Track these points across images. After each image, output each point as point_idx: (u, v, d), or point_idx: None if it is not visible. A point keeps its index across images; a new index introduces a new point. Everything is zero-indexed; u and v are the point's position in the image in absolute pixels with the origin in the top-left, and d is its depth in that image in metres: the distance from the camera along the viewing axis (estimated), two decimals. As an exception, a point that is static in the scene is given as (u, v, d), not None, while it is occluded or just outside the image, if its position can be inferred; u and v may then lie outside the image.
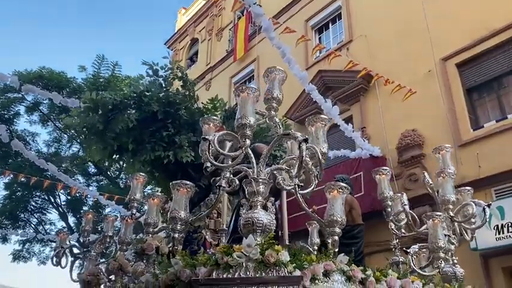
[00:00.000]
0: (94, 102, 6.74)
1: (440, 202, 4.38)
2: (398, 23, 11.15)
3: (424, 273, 3.89)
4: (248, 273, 2.57)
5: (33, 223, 21.55)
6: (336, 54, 10.71)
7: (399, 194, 4.65)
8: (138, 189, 4.84)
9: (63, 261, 5.84)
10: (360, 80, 10.94)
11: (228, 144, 3.41)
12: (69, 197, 19.90)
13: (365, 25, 12.13)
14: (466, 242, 5.00)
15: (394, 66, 10.57)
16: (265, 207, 2.99)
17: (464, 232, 4.46)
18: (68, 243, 6.03)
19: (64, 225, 19.87)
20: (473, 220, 4.47)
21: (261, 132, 6.73)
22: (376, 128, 10.65)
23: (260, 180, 2.94)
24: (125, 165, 16.33)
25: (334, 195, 3.08)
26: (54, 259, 5.83)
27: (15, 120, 20.65)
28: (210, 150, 3.05)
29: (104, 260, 6.13)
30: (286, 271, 2.56)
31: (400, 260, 4.32)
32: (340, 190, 3.10)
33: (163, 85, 7.21)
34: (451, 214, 4.30)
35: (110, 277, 4.84)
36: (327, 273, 2.78)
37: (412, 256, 4.00)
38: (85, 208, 19.75)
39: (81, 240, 6.02)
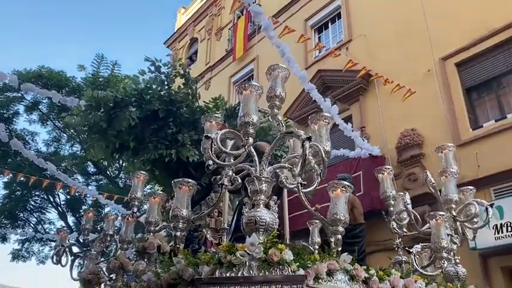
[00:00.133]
0: (96, 100, 6.71)
1: (442, 201, 4.37)
2: (397, 22, 11.16)
3: (426, 273, 3.88)
4: (251, 272, 2.55)
5: (33, 222, 21.50)
6: (335, 53, 10.71)
7: (401, 193, 4.64)
8: (139, 187, 4.83)
9: (63, 259, 5.82)
10: (360, 80, 10.95)
11: (230, 143, 3.40)
12: (68, 197, 19.85)
13: (364, 25, 12.13)
14: (465, 241, 5.00)
15: (394, 66, 10.57)
16: (267, 206, 2.98)
17: (465, 232, 4.46)
18: (67, 242, 6.02)
19: (63, 224, 19.81)
20: (475, 220, 4.47)
21: (262, 132, 6.71)
22: (375, 127, 10.66)
23: (263, 178, 2.93)
24: (124, 164, 16.38)
25: (337, 194, 3.07)
26: (54, 258, 5.82)
27: (14, 119, 20.59)
28: (213, 148, 3.03)
29: (103, 259, 6.11)
30: (289, 270, 2.55)
31: (403, 259, 4.31)
32: (344, 189, 3.09)
33: (166, 82, 7.17)
34: (454, 213, 4.30)
35: (111, 276, 4.83)
36: (330, 273, 2.77)
37: (414, 256, 3.99)
38: (84, 207, 19.70)
39: (81, 239, 6.01)
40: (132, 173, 5.27)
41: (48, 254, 20.39)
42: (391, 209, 4.39)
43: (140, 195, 4.85)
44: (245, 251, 2.58)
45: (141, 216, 7.03)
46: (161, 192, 4.55)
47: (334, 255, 2.93)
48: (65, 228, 6.95)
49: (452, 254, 4.12)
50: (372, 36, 11.70)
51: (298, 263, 2.61)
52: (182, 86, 7.32)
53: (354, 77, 10.90)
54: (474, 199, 4.57)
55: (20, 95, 19.46)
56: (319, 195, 6.27)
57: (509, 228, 7.66)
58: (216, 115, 3.60)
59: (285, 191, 4.39)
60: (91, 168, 21.65)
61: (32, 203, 21.13)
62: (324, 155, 2.96)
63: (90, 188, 19.54)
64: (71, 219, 20.84)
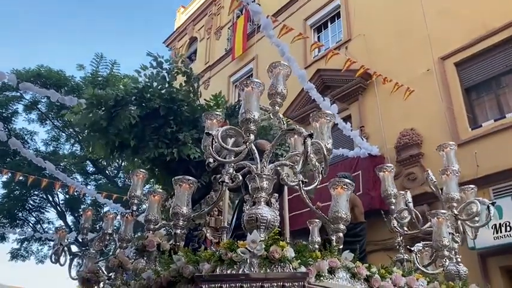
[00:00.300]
0: (97, 98, 6.68)
1: (444, 200, 4.36)
2: (397, 22, 11.16)
3: (428, 271, 3.87)
4: (252, 269, 2.54)
5: (31, 222, 21.50)
6: (334, 52, 10.70)
7: (402, 192, 4.63)
8: (138, 185, 4.80)
9: (62, 258, 5.80)
10: (359, 79, 10.95)
11: (230, 141, 3.39)
12: (67, 196, 19.84)
13: (364, 24, 12.12)
14: (464, 241, 5.00)
15: (393, 66, 10.57)
16: (268, 203, 2.96)
17: (466, 230, 4.45)
18: (66, 240, 6.00)
19: (62, 224, 19.79)
20: (476, 218, 4.46)
21: (263, 131, 6.70)
22: (374, 127, 10.66)
23: (264, 175, 2.91)
24: (123, 163, 16.35)
25: (338, 192, 3.06)
26: (53, 256, 5.80)
27: (13, 118, 20.57)
28: (213, 146, 3.02)
29: (102, 258, 6.09)
30: (291, 267, 2.53)
31: (405, 257, 4.30)
32: (345, 186, 3.08)
33: (167, 78, 7.14)
34: (455, 212, 4.29)
35: (110, 274, 4.82)
36: (332, 270, 2.76)
37: (416, 254, 3.98)
38: (83, 207, 19.67)
39: (80, 238, 5.99)
40: (131, 171, 5.23)
41: (47, 253, 20.37)
42: (392, 207, 4.38)
43: (140, 194, 4.83)
44: (246, 248, 2.57)
45: (140, 216, 7.04)
46: (161, 191, 4.53)
47: (336, 253, 2.92)
48: (64, 227, 6.91)
49: (453, 252, 4.11)
50: (371, 36, 11.70)
51: (299, 261, 2.60)
52: (184, 84, 7.29)
53: (353, 77, 10.89)
54: (476, 197, 4.56)
55: (19, 94, 19.44)
56: (318, 194, 6.30)
57: (508, 228, 7.67)
58: (217, 113, 3.56)
59: (286, 189, 4.38)
60: (90, 168, 21.64)
61: (31, 202, 21.13)
62: (325, 153, 2.95)
63: (89, 187, 19.54)
64: (69, 219, 20.87)
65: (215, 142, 2.98)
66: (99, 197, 14.34)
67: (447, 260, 3.79)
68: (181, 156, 6.56)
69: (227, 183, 3.24)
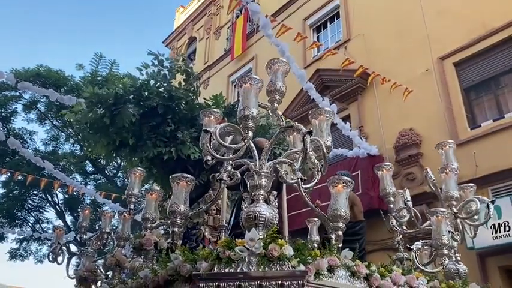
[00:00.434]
0: (98, 97, 6.65)
1: (443, 198, 4.34)
2: (396, 22, 11.15)
3: (427, 270, 3.85)
4: (251, 267, 2.51)
5: (30, 222, 21.47)
6: (333, 52, 10.69)
7: (401, 191, 4.61)
8: (136, 184, 4.78)
9: (60, 257, 5.78)
10: (358, 79, 10.94)
11: (228, 139, 3.36)
12: (66, 196, 19.81)
13: (363, 24, 12.11)
14: (463, 241, 4.98)
15: (392, 65, 10.56)
16: (267, 201, 2.94)
17: (465, 229, 4.43)
18: (64, 239, 5.98)
19: (61, 223, 19.76)
20: (476, 217, 4.44)
21: (261, 130, 6.68)
22: (373, 127, 10.65)
23: (262, 173, 2.89)
24: (122, 163, 16.32)
25: (338, 190, 3.04)
26: (51, 255, 5.78)
27: (12, 118, 20.54)
28: (211, 143, 2.99)
29: (100, 257, 6.07)
30: (290, 266, 2.50)
31: (404, 256, 4.28)
32: (345, 184, 3.05)
33: (168, 76, 7.11)
34: (455, 210, 4.27)
35: (107, 273, 4.80)
36: (331, 269, 2.73)
37: (415, 253, 3.96)
38: (82, 206, 19.63)
39: (78, 238, 5.98)
40: (129, 169, 5.21)
41: (46, 253, 20.33)
42: (391, 206, 4.36)
43: (137, 192, 4.80)
44: (244, 246, 2.54)
45: (137, 214, 7.01)
46: (158, 189, 4.51)
47: (335, 252, 2.89)
48: (63, 227, 6.90)
49: (453, 251, 4.10)
50: (370, 36, 11.69)
51: (298, 259, 2.57)
52: (183, 83, 7.27)
53: (352, 77, 10.88)
54: (475, 196, 4.54)
55: (18, 93, 19.40)
56: (317, 194, 6.28)
57: (507, 228, 7.66)
58: (215, 110, 3.53)
59: (284, 189, 4.36)
60: (89, 167, 21.62)
61: (30, 202, 21.10)
62: (325, 150, 2.93)
63: (88, 187, 19.50)
64: (68, 219, 20.85)
65: (213, 139, 2.95)
66: (98, 196, 14.30)
67: (447, 259, 3.77)
68: (180, 155, 6.53)
69: (225, 181, 3.21)
